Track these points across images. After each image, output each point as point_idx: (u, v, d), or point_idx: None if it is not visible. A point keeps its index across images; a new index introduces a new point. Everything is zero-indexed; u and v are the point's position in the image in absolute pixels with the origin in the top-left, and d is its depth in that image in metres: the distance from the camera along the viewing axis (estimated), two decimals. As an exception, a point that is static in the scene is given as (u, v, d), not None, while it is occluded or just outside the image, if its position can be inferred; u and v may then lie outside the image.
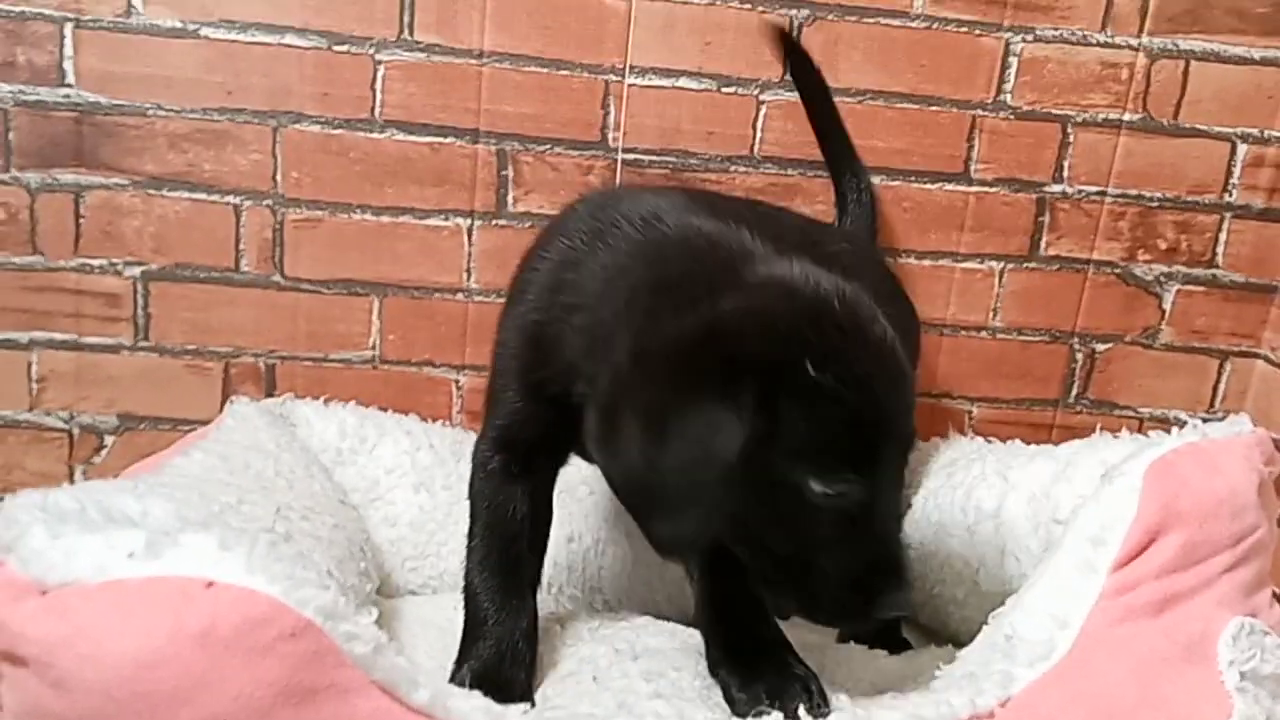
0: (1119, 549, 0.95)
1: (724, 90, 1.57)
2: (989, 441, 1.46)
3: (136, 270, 1.55)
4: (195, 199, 1.53)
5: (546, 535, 1.18)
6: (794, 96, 1.57)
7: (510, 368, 1.13)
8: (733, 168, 1.60)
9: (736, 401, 0.89)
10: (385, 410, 1.52)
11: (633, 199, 1.14)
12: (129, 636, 0.72)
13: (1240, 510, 0.96)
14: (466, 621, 1.12)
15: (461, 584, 1.13)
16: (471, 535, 1.15)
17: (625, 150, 1.58)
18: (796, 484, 0.92)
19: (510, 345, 1.13)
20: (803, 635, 1.14)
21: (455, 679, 1.06)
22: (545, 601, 1.34)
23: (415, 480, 1.38)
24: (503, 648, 1.08)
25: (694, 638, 1.21)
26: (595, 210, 1.12)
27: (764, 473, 0.91)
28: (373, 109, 1.53)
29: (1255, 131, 1.63)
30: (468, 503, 1.16)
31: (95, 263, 1.53)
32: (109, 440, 1.59)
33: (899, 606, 0.97)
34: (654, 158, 1.59)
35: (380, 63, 1.51)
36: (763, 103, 1.58)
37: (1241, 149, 1.64)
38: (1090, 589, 0.92)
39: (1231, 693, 0.85)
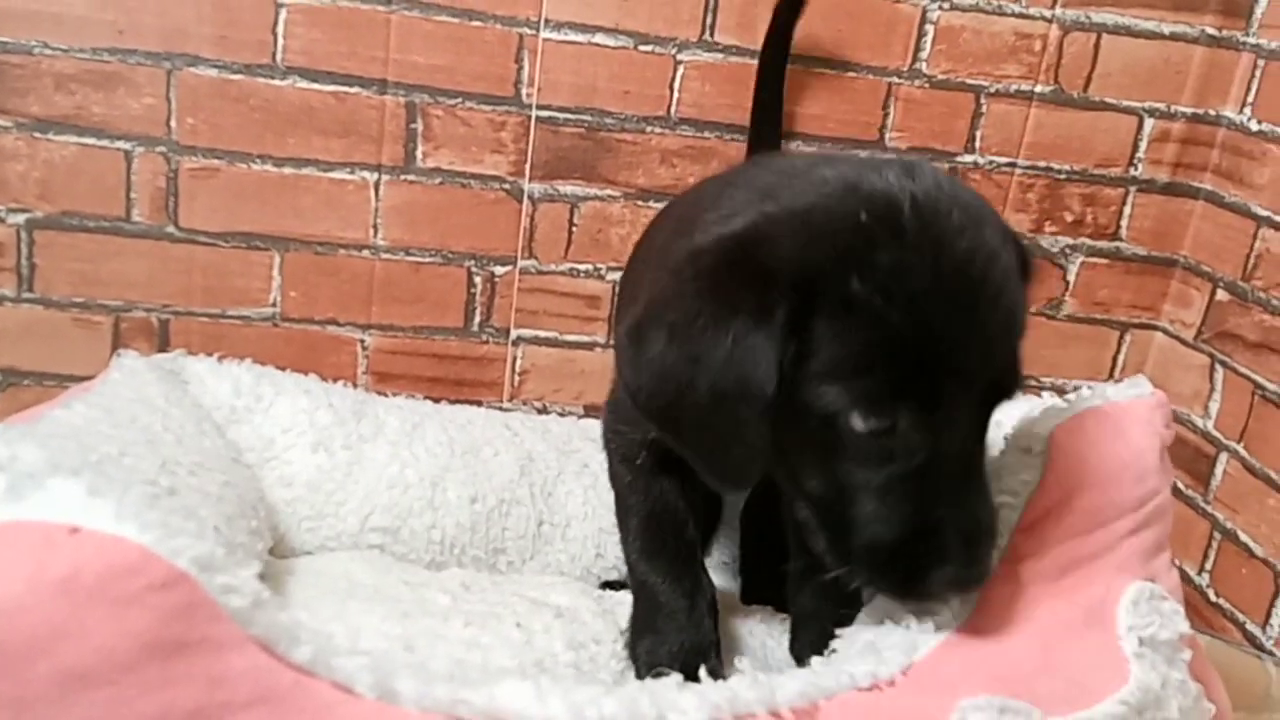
0: (1023, 513, 0.95)
1: (641, 48, 1.54)
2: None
3: (21, 218, 1.46)
4: (84, 143, 1.45)
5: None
6: (712, 57, 1.55)
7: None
8: (649, 128, 1.57)
9: (770, 321, 0.77)
10: (284, 369, 1.46)
11: None
12: (-16, 584, 0.67)
13: (1143, 474, 0.97)
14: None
15: (357, 546, 1.09)
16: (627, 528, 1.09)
17: (539, 107, 1.54)
18: (838, 417, 0.80)
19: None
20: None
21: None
22: (448, 562, 1.31)
23: (313, 440, 1.33)
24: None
25: (606, 600, 1.20)
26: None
27: (804, 404, 0.80)
28: (274, 54, 1.46)
29: (1162, 106, 1.65)
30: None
31: (-25, 209, 1.45)
32: (-10, 396, 1.51)
33: (951, 584, 0.84)
34: (569, 115, 1.55)
35: (282, 5, 1.45)
36: (680, 62, 1.55)
37: (1149, 123, 1.66)
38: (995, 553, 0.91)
39: (1130, 658, 0.85)
